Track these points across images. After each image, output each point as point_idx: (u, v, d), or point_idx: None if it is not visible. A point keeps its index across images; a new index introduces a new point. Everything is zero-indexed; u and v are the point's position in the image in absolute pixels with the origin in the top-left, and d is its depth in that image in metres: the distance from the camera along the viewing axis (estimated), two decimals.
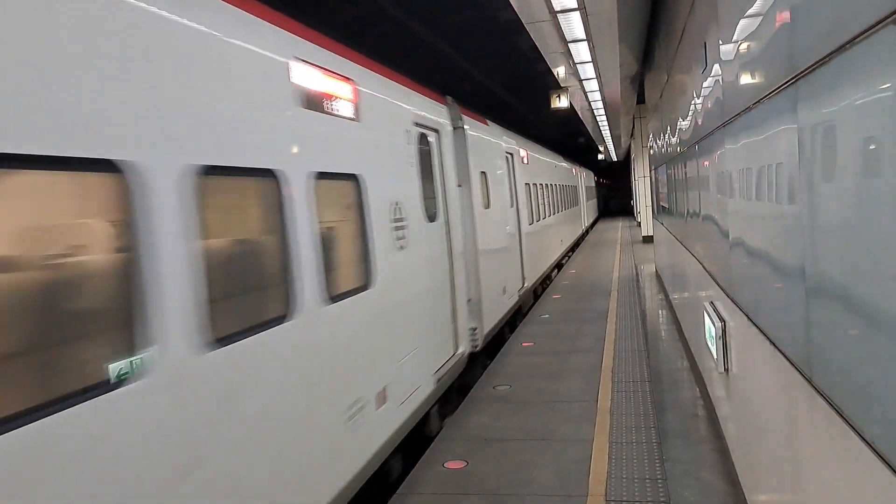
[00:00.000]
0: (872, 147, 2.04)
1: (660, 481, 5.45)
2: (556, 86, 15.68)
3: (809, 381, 2.79)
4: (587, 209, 33.23)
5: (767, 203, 3.46)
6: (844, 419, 2.36)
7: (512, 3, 8.70)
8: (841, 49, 2.19)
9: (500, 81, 20.88)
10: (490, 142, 11.21)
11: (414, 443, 6.63)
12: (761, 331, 3.70)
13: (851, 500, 2.41)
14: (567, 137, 37.16)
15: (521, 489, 5.51)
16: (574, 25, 9.64)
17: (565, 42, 10.72)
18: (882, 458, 2.02)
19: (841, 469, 2.51)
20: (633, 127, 27.79)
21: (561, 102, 15.88)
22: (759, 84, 3.48)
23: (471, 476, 5.84)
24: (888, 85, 1.87)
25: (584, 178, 34.99)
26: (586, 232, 34.72)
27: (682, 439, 6.35)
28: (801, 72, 2.64)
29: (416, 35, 14.54)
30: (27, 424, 2.38)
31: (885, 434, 2.03)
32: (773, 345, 3.41)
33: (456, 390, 8.29)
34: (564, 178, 24.06)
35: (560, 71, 14.02)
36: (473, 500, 5.41)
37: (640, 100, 20.26)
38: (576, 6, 8.69)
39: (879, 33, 1.89)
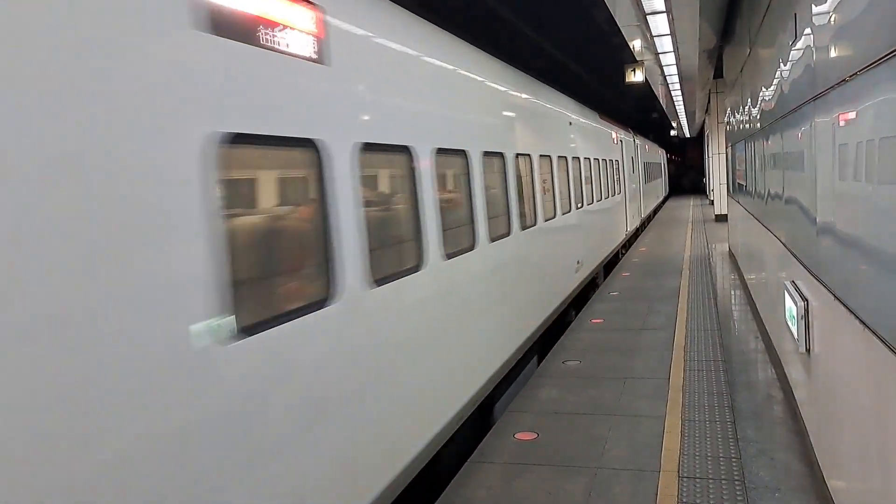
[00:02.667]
0: None
1: (734, 460, 5.41)
2: (631, 60, 15.33)
3: None
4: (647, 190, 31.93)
5: (865, 180, 3.36)
6: None
7: None
8: None
9: (572, 55, 20.51)
10: (632, 142, 20.01)
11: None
12: (850, 310, 3.62)
13: None
14: (639, 112, 36.26)
15: (592, 462, 5.56)
16: None
17: (644, 14, 10.47)
18: None
19: None
20: (709, 102, 26.89)
21: (636, 77, 15.54)
22: (862, 53, 3.36)
23: (542, 447, 5.93)
24: None
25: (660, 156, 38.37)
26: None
27: (757, 419, 6.26)
28: None
29: (488, 6, 14.39)
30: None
31: None
32: (864, 324, 3.33)
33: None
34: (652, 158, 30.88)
35: (636, 44, 13.72)
36: (545, 470, 5.49)
37: (717, 74, 19.61)
38: None
39: None
